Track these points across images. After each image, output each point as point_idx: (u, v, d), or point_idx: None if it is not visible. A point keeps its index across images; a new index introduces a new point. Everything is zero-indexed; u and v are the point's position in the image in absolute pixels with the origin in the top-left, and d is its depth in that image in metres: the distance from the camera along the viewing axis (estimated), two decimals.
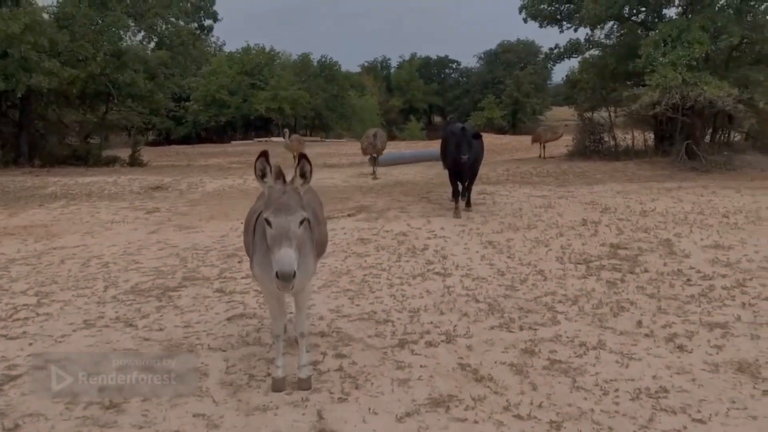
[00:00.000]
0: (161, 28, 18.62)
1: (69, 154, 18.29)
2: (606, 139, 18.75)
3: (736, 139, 17.97)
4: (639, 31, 17.48)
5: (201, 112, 46.62)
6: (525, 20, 19.73)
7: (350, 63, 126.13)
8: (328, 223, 7.86)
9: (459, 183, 9.95)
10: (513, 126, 60.28)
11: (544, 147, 20.08)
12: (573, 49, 19.06)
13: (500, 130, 55.07)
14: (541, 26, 20.17)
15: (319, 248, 4.15)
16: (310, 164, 3.41)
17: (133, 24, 18.87)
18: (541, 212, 10.01)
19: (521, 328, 4.86)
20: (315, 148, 33.61)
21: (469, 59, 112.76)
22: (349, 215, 10.07)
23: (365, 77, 67.13)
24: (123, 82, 17.74)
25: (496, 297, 5.67)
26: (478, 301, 5.56)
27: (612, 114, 18.92)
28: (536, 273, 6.51)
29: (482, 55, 73.69)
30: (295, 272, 3.02)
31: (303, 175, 3.39)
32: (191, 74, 48.54)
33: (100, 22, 16.72)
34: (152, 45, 20.09)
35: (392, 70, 77.70)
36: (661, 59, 13.96)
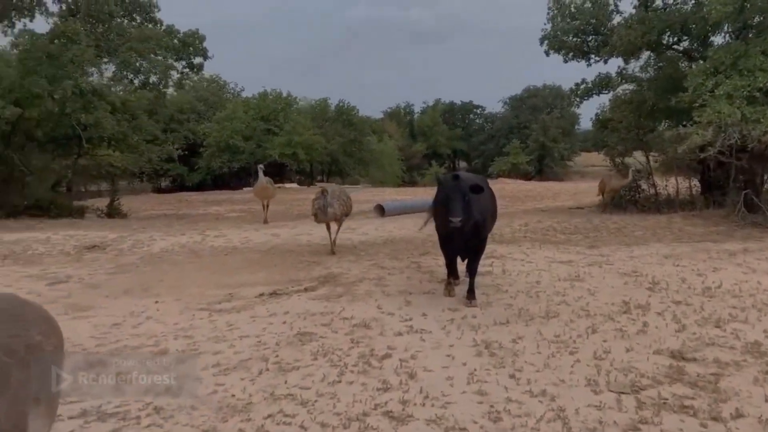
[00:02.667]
0: (138, 65, 16.70)
1: (30, 203, 16.25)
2: (644, 187, 16.03)
3: None
4: (681, 63, 14.96)
5: (214, 157, 45.09)
6: (547, 53, 17.42)
7: (372, 109, 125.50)
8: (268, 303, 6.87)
9: (455, 256, 7.20)
10: (539, 172, 57.74)
11: (606, 196, 16.18)
12: (603, 83, 16.60)
13: (526, 176, 52.59)
14: (565, 60, 17.86)
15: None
16: None
17: (104, 59, 17.02)
18: (565, 288, 7.37)
19: None
20: None
21: (494, 105, 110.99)
22: (306, 289, 7.57)
23: (387, 123, 65.54)
24: (87, 122, 15.73)
25: None
26: None
27: (650, 158, 16.21)
28: (555, 416, 3.89)
29: (507, 100, 71.89)
30: None
31: None
32: (206, 119, 47.64)
33: (61, 56, 14.77)
34: (136, 83, 18.12)
35: (416, 116, 76.17)
36: (713, 91, 11.39)
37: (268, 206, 16.11)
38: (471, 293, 6.78)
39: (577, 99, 17.41)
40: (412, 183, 52.65)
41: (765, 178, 14.01)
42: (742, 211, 12.32)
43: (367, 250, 10.27)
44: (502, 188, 34.64)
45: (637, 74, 16.16)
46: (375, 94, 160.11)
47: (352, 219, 15.73)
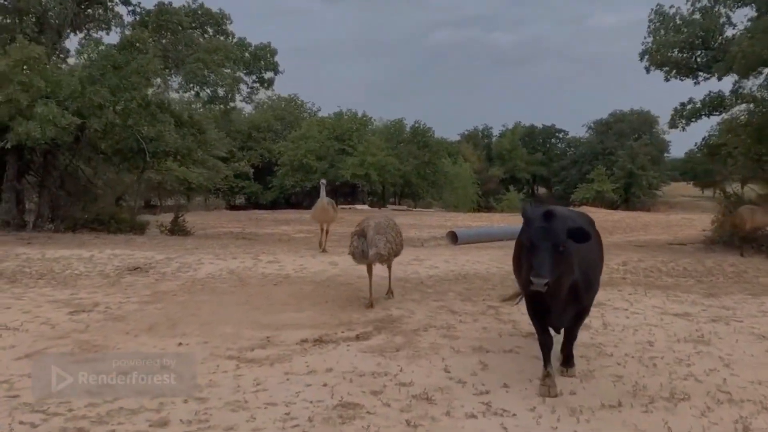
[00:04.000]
0: (205, 77, 16.06)
1: (91, 217, 15.80)
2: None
3: None
4: None
5: (287, 176, 44.95)
6: (648, 69, 15.54)
7: (450, 132, 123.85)
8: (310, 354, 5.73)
9: (547, 327, 4.90)
10: (626, 201, 54.47)
11: (749, 231, 12.55)
12: (714, 103, 14.56)
13: (611, 205, 49.60)
14: (666, 78, 15.92)
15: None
16: None
17: (170, 71, 16.49)
18: (689, 354, 5.69)
19: None
20: (399, 218, 30.15)
21: (577, 129, 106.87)
22: (358, 337, 6.23)
23: (464, 145, 63.91)
24: (149, 135, 15.17)
25: None
26: None
27: None
28: None
29: (592, 125, 68.64)
30: None
31: None
32: (282, 138, 47.70)
33: (125, 66, 14.24)
34: (204, 96, 17.56)
35: (494, 139, 74.10)
36: None
37: (328, 232, 13.60)
38: (568, 360, 5.20)
39: (683, 121, 15.32)
40: (488, 208, 50.66)
41: None
42: None
43: (435, 288, 8.83)
44: None
45: (756, 93, 13.97)
46: (454, 117, 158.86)
47: (419, 249, 14.40)
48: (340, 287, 8.85)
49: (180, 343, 5.96)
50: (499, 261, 11.29)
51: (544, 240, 4.21)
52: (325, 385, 4.82)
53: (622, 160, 55.39)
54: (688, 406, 4.45)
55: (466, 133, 72.83)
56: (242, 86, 18.34)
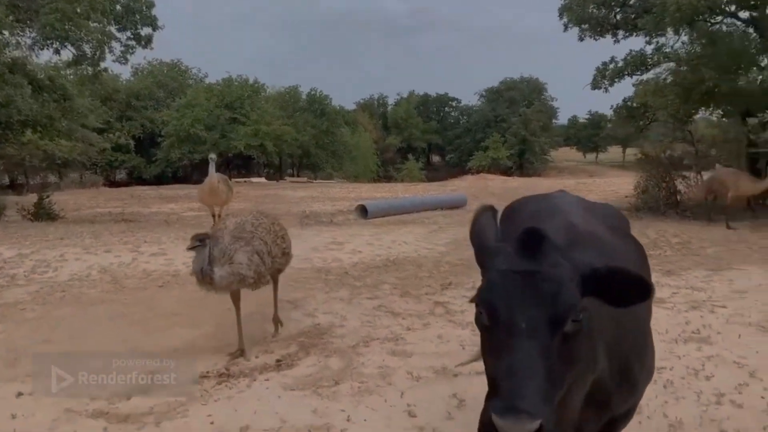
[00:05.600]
0: (67, 32, 13.29)
1: None
2: (681, 189, 13.29)
3: None
4: (750, 30, 12.08)
5: (173, 148, 41.50)
6: (566, 27, 14.64)
7: (344, 101, 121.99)
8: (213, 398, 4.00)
9: None
10: (519, 167, 55.26)
11: (731, 201, 10.86)
12: (637, 62, 13.85)
13: (506, 172, 50.07)
14: (580, 38, 15.08)
15: None
16: None
17: (19, 23, 13.58)
18: (703, 363, 4.56)
19: None
20: (297, 191, 28.25)
21: (470, 97, 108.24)
22: (279, 364, 4.61)
23: (360, 114, 62.36)
24: None
25: None
26: None
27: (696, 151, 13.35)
28: None
29: (484, 93, 69.10)
30: None
31: None
32: (164, 106, 43.91)
33: None
34: (66, 56, 14.78)
35: (389, 108, 73.11)
36: None
37: (220, 216, 10.95)
38: None
39: (605, 81, 14.59)
40: (388, 178, 49.60)
41: None
42: None
43: (365, 280, 7.30)
44: (487, 186, 32.17)
45: (680, 51, 13.33)
46: (347, 86, 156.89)
47: (338, 226, 12.84)
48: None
49: (20, 393, 4.09)
50: (426, 240, 9.96)
51: (524, 312, 1.67)
52: None
53: (515, 126, 56.04)
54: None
55: (361, 101, 71.46)
56: (114, 44, 15.65)
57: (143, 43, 16.35)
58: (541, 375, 1.61)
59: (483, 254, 1.92)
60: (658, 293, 6.61)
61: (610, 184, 30.10)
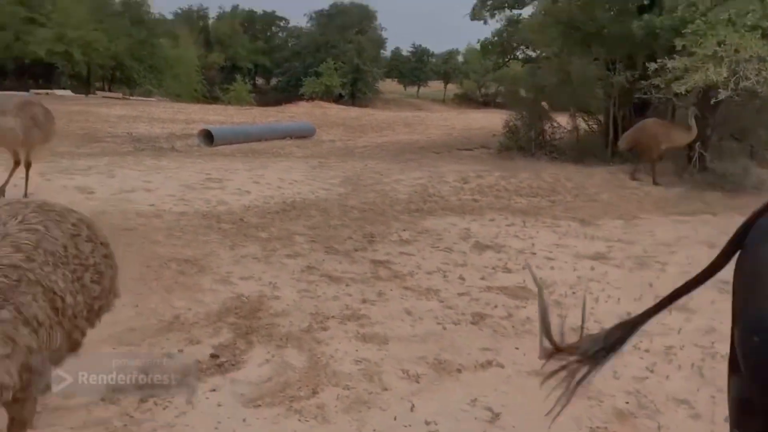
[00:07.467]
0: None
1: None
2: (547, 129, 13.38)
3: None
4: None
5: None
6: None
7: (159, 9, 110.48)
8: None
9: None
10: (351, 96, 54.56)
11: (660, 152, 10.18)
12: None
13: (337, 100, 49.07)
14: None
15: None
16: None
17: None
18: (702, 336, 4.16)
19: None
20: (112, 109, 24.78)
21: (298, 18, 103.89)
22: (217, 364, 3.37)
23: (179, 26, 56.72)
24: None
25: None
26: None
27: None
28: None
29: (313, 15, 66.48)
30: None
31: None
32: None
33: None
34: None
35: (210, 22, 67.50)
36: (706, 15, 8.68)
37: (26, 165, 6.76)
38: None
39: (486, 14, 13.91)
40: (214, 99, 46.01)
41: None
42: (694, 169, 10.21)
43: (268, 229, 6.00)
44: (325, 113, 31.02)
45: None
46: None
47: (189, 156, 11.06)
48: (125, 245, 5.47)
49: None
50: (316, 180, 8.79)
51: None
52: None
53: (349, 53, 54.87)
54: None
55: (180, 12, 65.00)
56: None
57: None
58: None
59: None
60: (589, 246, 6.26)
61: (444, 119, 30.51)
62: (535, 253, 5.84)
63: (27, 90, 33.06)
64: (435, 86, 74.30)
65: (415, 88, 74.02)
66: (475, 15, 13.47)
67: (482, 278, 4.98)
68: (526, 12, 13.98)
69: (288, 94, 54.14)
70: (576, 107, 12.61)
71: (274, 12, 71.40)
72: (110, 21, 39.52)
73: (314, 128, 19.82)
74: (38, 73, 39.10)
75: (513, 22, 14.30)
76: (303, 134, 18.88)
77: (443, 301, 4.41)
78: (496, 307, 4.38)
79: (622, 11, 11.17)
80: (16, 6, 35.47)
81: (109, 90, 40.61)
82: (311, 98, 45.88)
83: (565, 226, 7.02)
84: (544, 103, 12.97)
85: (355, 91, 55.16)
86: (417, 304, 4.35)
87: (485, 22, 13.65)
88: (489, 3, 13.28)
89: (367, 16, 64.46)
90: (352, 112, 34.91)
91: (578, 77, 11.79)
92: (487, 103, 65.20)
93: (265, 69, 66.75)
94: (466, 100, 69.74)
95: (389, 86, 72.91)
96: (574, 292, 4.80)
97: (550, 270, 5.36)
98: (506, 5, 13.47)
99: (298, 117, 26.78)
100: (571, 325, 4.23)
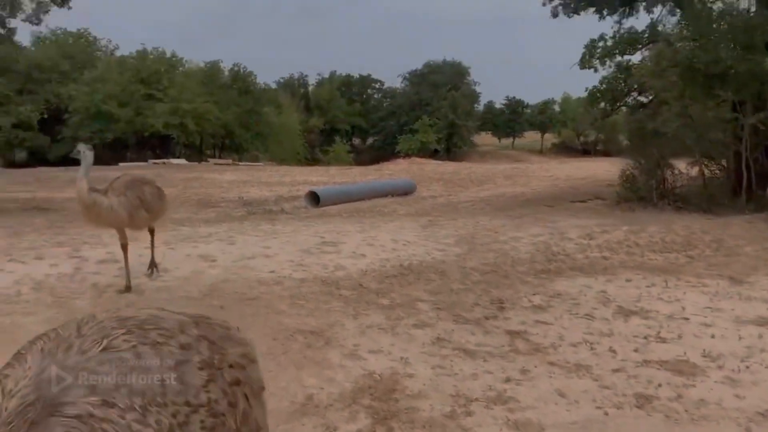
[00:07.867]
0: None
1: None
2: (668, 177, 12.49)
3: None
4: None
5: (82, 126, 37.78)
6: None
7: (263, 80, 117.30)
8: None
9: None
10: (447, 151, 54.69)
11: None
12: (630, 41, 12.86)
13: (432, 156, 49.24)
14: (554, 14, 13.99)
15: None
16: None
17: None
18: None
19: None
20: (224, 174, 25.98)
21: (393, 80, 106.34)
22: None
23: (281, 94, 59.68)
24: None
25: None
26: None
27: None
28: None
29: (407, 75, 67.94)
30: None
31: None
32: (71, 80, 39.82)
33: None
34: None
35: (310, 88, 70.56)
36: None
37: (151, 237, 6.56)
38: None
39: (596, 62, 13.50)
40: (315, 161, 47.58)
41: None
42: None
43: (389, 295, 5.73)
44: (422, 169, 30.96)
45: (673, 30, 12.33)
46: (264, 66, 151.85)
47: (299, 218, 11.10)
48: (273, 306, 5.38)
49: None
50: (428, 239, 8.51)
51: None
52: None
53: (444, 109, 55.35)
54: None
55: (282, 81, 68.48)
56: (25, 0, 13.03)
57: (59, 0, 13.81)
58: None
59: None
60: (748, 308, 5.51)
61: (544, 170, 29.61)
62: (687, 318, 5.19)
63: (146, 160, 35.55)
64: (530, 137, 73.48)
65: (510, 140, 73.44)
66: (585, 64, 13.08)
67: (635, 350, 4.43)
68: (636, 57, 13.42)
69: (384, 152, 55.18)
70: (700, 153, 11.73)
71: (369, 75, 73.77)
72: (220, 93, 42.12)
73: (415, 185, 19.84)
74: (156, 145, 42.01)
75: (623, 69, 13.73)
76: (404, 191, 18.90)
77: (597, 380, 3.91)
78: (660, 386, 3.83)
79: (748, 47, 10.37)
80: (137, 84, 38.60)
81: (220, 157, 42.97)
82: (407, 155, 46.37)
83: (714, 285, 6.29)
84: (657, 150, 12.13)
85: (450, 145, 55.32)
86: (568, 383, 3.88)
87: (595, 70, 13.23)
88: (598, 51, 12.84)
89: (460, 72, 65.10)
90: (449, 167, 34.74)
91: (702, 121, 11.01)
92: (587, 151, 63.68)
93: (362, 129, 68.63)
94: (564, 149, 68.46)
95: (483, 139, 72.70)
96: (747, 366, 4.15)
97: (710, 339, 4.71)
98: (617, 52, 12.97)
99: (396, 174, 26.96)
100: (757, 409, 3.63)
